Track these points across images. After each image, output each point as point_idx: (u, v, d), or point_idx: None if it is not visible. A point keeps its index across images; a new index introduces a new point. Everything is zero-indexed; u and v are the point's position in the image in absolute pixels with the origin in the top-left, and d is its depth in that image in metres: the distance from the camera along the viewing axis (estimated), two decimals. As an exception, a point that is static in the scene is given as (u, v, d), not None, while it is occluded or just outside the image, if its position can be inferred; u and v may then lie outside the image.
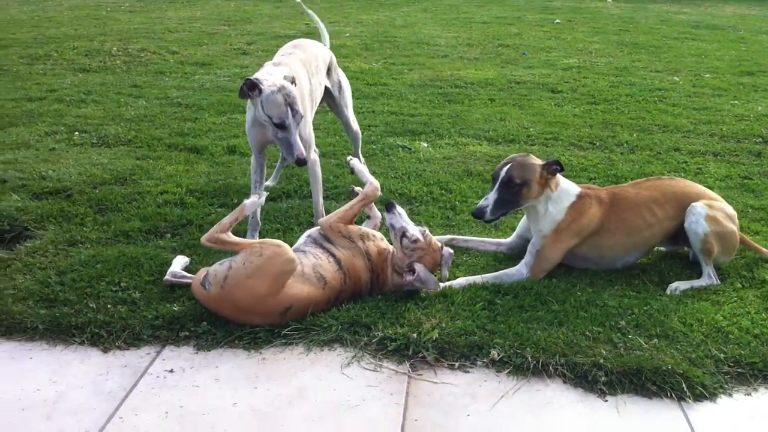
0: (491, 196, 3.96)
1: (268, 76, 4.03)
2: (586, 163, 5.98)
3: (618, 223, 4.09)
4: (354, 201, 4.02)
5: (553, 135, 6.76)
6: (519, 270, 4.04)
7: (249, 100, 4.15)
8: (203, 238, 3.66)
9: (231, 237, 3.61)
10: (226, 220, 3.66)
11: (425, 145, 6.39)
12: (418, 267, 3.70)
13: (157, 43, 10.97)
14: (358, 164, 4.22)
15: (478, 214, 3.97)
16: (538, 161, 4.06)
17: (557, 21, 14.79)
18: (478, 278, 3.98)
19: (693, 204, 4.06)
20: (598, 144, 6.58)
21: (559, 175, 4.11)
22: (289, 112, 3.89)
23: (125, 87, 8.21)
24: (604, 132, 6.94)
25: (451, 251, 3.91)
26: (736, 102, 8.28)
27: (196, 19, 13.71)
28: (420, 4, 17.23)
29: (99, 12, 14.28)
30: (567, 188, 4.13)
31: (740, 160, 6.24)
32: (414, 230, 3.78)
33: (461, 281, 3.94)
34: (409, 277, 3.69)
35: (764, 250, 4.33)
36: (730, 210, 4.19)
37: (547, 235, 4.05)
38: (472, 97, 8.18)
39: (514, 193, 3.95)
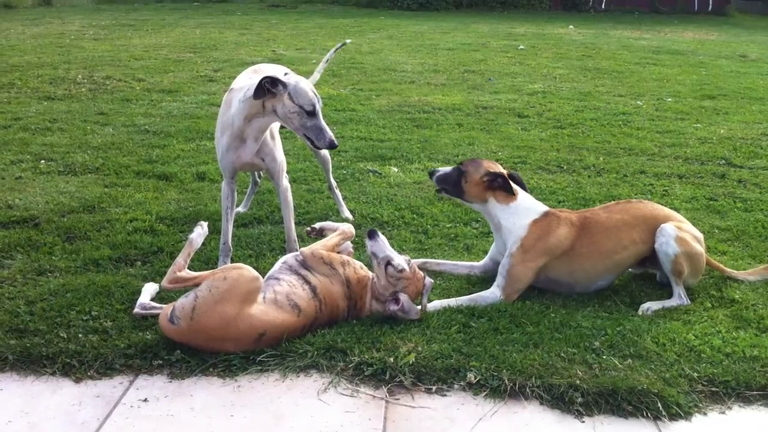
0: (447, 168, 4.35)
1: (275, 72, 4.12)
2: (555, 186, 6.04)
3: (590, 247, 4.13)
4: (333, 235, 4.06)
5: (521, 159, 6.82)
6: (492, 292, 4.05)
7: (225, 121, 4.17)
8: (163, 283, 3.67)
9: (189, 273, 3.64)
10: (180, 258, 3.68)
11: (395, 169, 6.41)
12: (403, 297, 3.70)
13: (123, 70, 10.90)
14: (320, 223, 4.27)
15: (431, 171, 4.38)
16: (492, 168, 4.19)
17: (521, 47, 14.98)
18: (452, 301, 3.99)
19: (663, 225, 4.12)
20: (565, 167, 6.65)
21: (521, 192, 4.22)
22: (316, 97, 3.97)
23: (91, 115, 8.14)
24: (570, 155, 7.02)
25: (432, 280, 3.91)
26: (698, 125, 8.43)
27: (162, 46, 13.66)
28: (386, 32, 17.36)
29: (63, 40, 14.18)
30: (529, 205, 4.20)
31: (705, 181, 6.34)
32: (399, 259, 3.76)
33: (436, 304, 3.94)
34: (393, 307, 3.69)
35: (729, 270, 4.40)
36: (697, 233, 4.26)
37: (513, 253, 4.08)
38: (440, 122, 8.24)
39: (456, 177, 4.24)
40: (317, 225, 4.24)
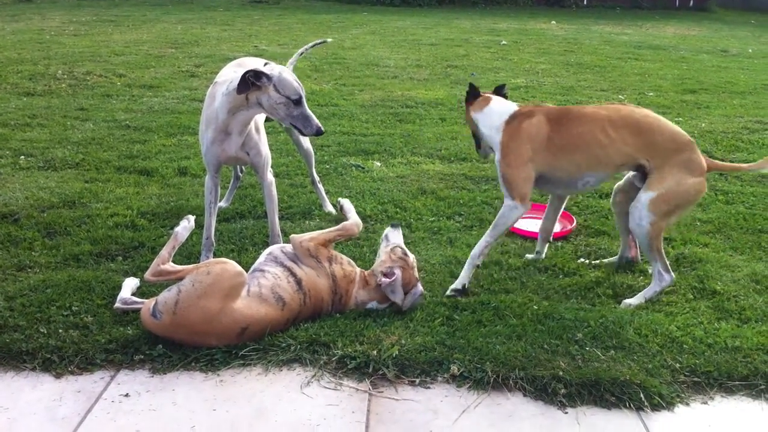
0: None
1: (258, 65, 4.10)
2: (538, 180, 6.04)
3: (569, 139, 4.05)
4: (332, 228, 4.06)
5: (504, 153, 6.81)
6: (505, 204, 4.10)
7: (209, 114, 4.13)
8: (146, 275, 3.65)
9: (173, 266, 3.62)
10: (164, 251, 3.67)
11: (378, 164, 6.40)
12: (398, 272, 3.75)
13: (104, 66, 10.82)
14: (348, 203, 4.32)
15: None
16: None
17: (504, 42, 14.99)
18: (482, 241, 4.15)
19: (638, 196, 3.99)
20: (548, 161, 6.65)
21: (493, 97, 4.29)
22: (300, 86, 3.99)
23: (71, 110, 8.07)
24: (553, 149, 7.02)
25: (423, 291, 3.89)
26: (680, 119, 8.45)
27: (143, 42, 13.57)
28: (368, 27, 17.33)
29: (42, 36, 14.05)
30: (501, 107, 4.22)
31: (686, 174, 6.35)
32: (406, 249, 3.93)
33: (481, 244, 4.15)
34: (385, 279, 3.73)
35: (739, 165, 4.26)
36: (696, 160, 3.99)
37: (499, 159, 4.13)
38: (423, 117, 8.23)
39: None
40: (342, 201, 4.35)
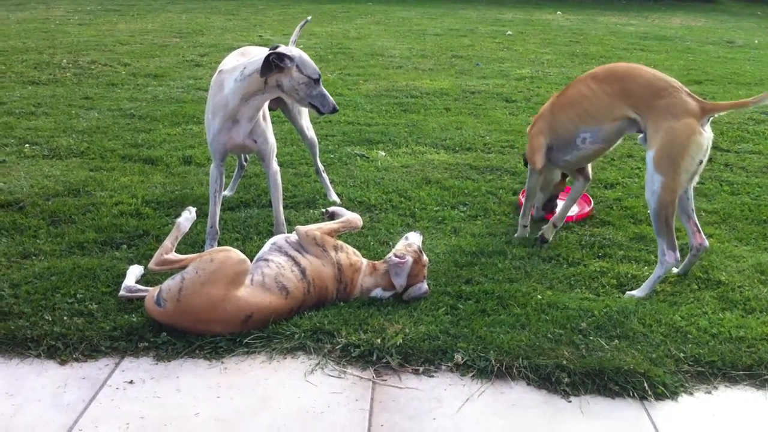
0: None
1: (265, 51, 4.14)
2: (543, 170, 6.03)
3: (563, 99, 4.44)
4: (337, 221, 4.07)
5: (509, 143, 6.81)
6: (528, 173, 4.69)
7: (218, 102, 4.12)
8: (150, 265, 3.67)
9: (176, 256, 3.65)
10: (167, 241, 3.69)
11: (383, 153, 6.39)
12: (408, 258, 3.78)
13: (108, 55, 10.81)
14: (336, 208, 4.30)
15: None
16: None
17: (509, 33, 14.94)
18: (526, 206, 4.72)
19: (646, 171, 3.97)
20: (553, 151, 6.64)
21: None
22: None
23: (76, 99, 8.07)
24: (558, 140, 7.01)
25: (427, 289, 3.89)
26: (685, 110, 8.41)
27: (148, 31, 13.55)
28: (373, 17, 17.28)
29: (47, 25, 14.04)
30: None
31: (692, 165, 6.33)
32: (422, 249, 3.98)
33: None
34: (395, 259, 3.77)
35: (743, 101, 4.27)
36: (678, 103, 3.97)
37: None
38: (427, 107, 8.21)
39: None
40: (330, 209, 4.29)
